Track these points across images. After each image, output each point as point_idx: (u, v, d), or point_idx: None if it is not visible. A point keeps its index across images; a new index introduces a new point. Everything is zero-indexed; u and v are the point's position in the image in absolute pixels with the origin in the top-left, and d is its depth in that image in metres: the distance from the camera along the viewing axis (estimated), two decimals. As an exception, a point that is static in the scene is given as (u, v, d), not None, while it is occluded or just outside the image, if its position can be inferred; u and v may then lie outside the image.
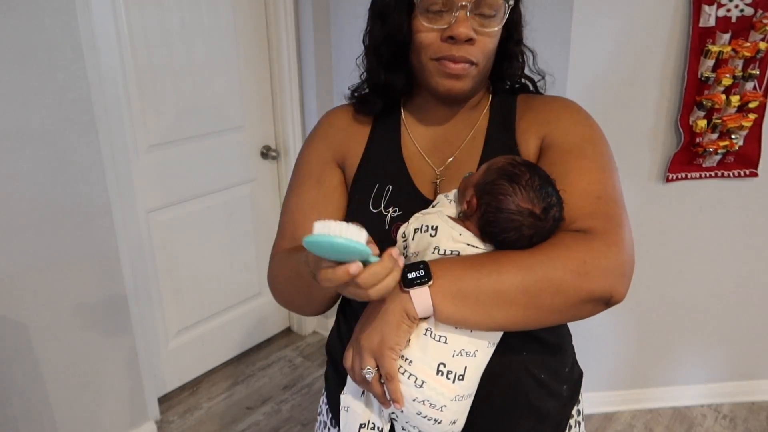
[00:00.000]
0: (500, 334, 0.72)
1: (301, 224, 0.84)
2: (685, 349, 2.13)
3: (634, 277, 1.95)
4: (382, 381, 0.68)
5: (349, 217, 0.84)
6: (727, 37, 1.69)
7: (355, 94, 0.90)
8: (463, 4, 0.73)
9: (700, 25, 1.69)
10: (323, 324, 2.70)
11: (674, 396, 2.18)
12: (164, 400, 2.26)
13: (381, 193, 0.82)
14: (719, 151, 1.82)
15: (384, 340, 0.66)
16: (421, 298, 0.65)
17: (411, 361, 0.68)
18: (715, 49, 1.69)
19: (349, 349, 0.72)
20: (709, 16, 1.67)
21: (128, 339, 1.92)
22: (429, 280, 0.65)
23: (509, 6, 0.77)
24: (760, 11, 1.67)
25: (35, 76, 1.55)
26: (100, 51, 1.72)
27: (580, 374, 0.91)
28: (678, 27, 1.71)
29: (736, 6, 1.67)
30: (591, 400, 2.15)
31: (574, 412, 0.89)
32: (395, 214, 0.80)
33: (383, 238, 0.77)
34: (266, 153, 2.39)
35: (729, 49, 1.69)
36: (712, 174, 1.88)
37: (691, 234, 1.96)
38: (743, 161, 1.87)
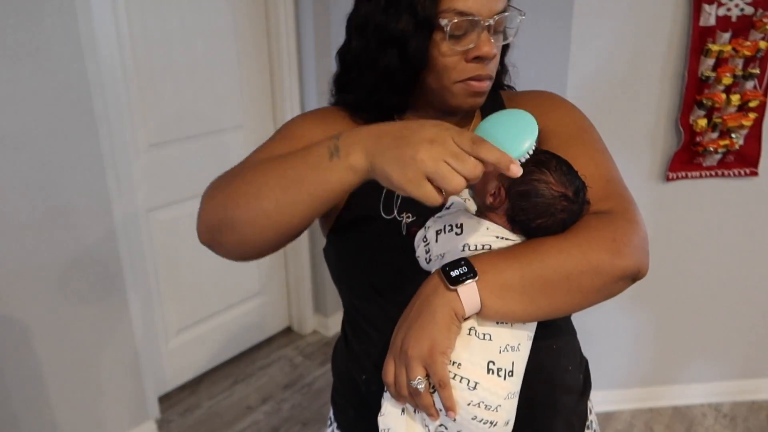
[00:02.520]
0: (535, 325, 0.71)
1: None
2: (685, 348, 2.13)
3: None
4: (431, 391, 0.65)
5: (359, 223, 0.80)
6: (727, 36, 1.69)
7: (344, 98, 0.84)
8: (488, 24, 0.71)
9: (701, 24, 1.69)
10: (323, 323, 2.71)
11: (674, 395, 2.19)
12: (164, 399, 2.27)
13: (390, 198, 0.78)
14: (719, 150, 1.82)
15: (435, 344, 0.63)
16: (469, 295, 0.63)
17: (459, 364, 0.65)
18: (715, 48, 1.69)
19: (390, 363, 0.67)
20: (710, 15, 1.67)
21: (128, 338, 1.92)
22: (475, 276, 0.63)
23: (521, 19, 0.77)
24: (761, 10, 1.67)
25: (35, 76, 1.55)
26: (100, 50, 1.72)
27: (587, 362, 0.93)
28: (678, 26, 1.71)
29: (737, 5, 1.66)
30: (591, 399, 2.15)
31: (589, 404, 0.90)
32: (409, 220, 0.77)
33: (401, 245, 0.75)
34: (266, 152, 2.39)
35: (729, 48, 1.69)
36: (713, 173, 1.88)
37: (691, 233, 1.96)
38: (743, 160, 1.87)
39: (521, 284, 0.64)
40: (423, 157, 0.55)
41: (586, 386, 0.89)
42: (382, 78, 0.76)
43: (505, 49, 0.84)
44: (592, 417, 0.92)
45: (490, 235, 0.69)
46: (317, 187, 0.62)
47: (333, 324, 2.72)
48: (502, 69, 0.87)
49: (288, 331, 2.75)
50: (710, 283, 2.03)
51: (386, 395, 0.71)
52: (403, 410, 0.71)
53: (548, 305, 0.66)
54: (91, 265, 1.77)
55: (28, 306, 1.66)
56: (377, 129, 0.61)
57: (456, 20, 0.70)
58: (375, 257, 0.78)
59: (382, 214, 0.78)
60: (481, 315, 0.65)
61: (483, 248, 0.68)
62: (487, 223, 0.70)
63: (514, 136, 0.60)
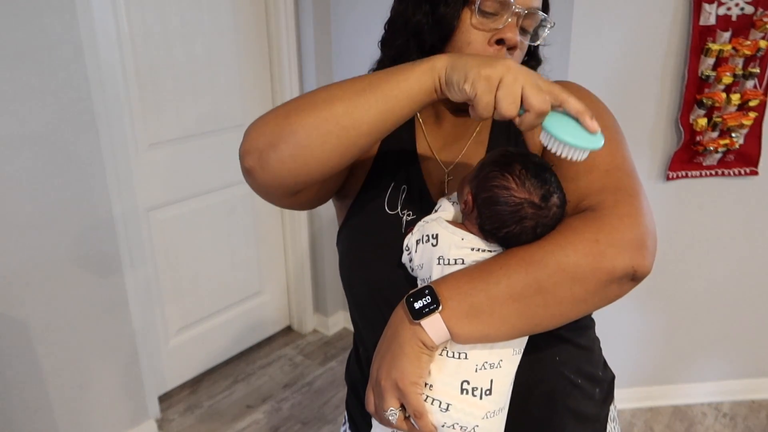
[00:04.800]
0: (525, 339, 0.68)
1: None
2: (685, 347, 2.13)
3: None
4: (408, 416, 0.65)
5: (365, 215, 0.81)
6: (727, 35, 1.69)
7: None
8: (517, 11, 0.72)
9: (701, 23, 1.68)
10: (323, 323, 2.71)
11: (674, 394, 2.19)
12: (164, 399, 2.27)
13: (396, 195, 0.79)
14: (720, 149, 1.82)
15: (405, 375, 0.63)
16: (434, 326, 0.62)
17: (431, 386, 0.64)
18: (715, 47, 1.69)
19: (370, 392, 0.68)
20: (710, 15, 1.67)
21: (128, 337, 1.92)
22: (438, 306, 0.62)
23: (551, 26, 0.77)
24: (761, 10, 1.67)
25: (36, 75, 1.55)
26: (100, 49, 1.72)
27: (612, 376, 0.90)
28: (678, 25, 1.71)
29: (737, 4, 1.66)
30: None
31: (609, 416, 0.87)
32: (409, 218, 0.78)
33: (399, 242, 0.74)
34: (266, 151, 2.39)
35: (729, 47, 1.69)
36: (713, 172, 1.88)
37: (691, 232, 1.96)
38: (743, 160, 1.87)
39: (489, 306, 0.61)
40: (510, 65, 0.57)
41: (606, 398, 0.86)
42: (412, 36, 0.77)
43: (532, 57, 0.84)
44: (613, 426, 0.88)
45: (465, 246, 0.66)
46: (393, 88, 0.62)
47: (333, 323, 2.72)
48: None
49: (288, 330, 2.75)
50: (710, 283, 2.03)
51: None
52: None
53: (525, 323, 0.62)
54: (91, 264, 1.77)
55: (27, 305, 1.66)
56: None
57: None
58: (374, 250, 0.78)
59: (386, 209, 0.79)
60: (453, 340, 0.63)
61: (456, 262, 0.66)
62: (462, 234, 0.67)
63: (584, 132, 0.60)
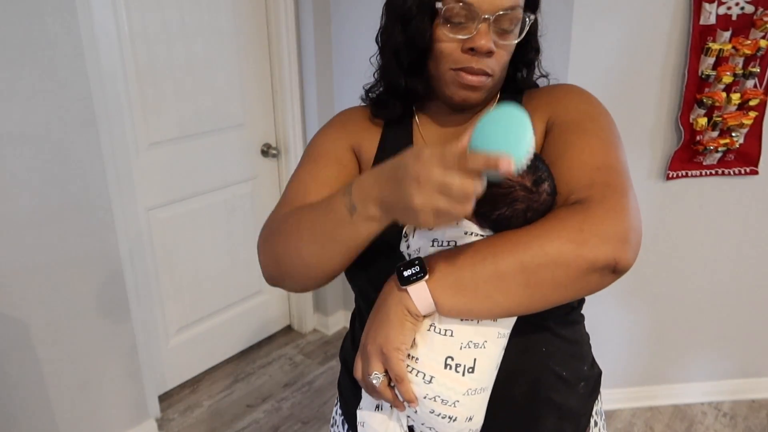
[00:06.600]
0: (510, 324, 0.71)
1: (316, 194, 0.78)
2: (685, 346, 2.13)
3: (634, 274, 1.95)
4: (392, 385, 0.67)
5: None
6: (727, 34, 1.69)
7: (370, 95, 0.89)
8: (486, 17, 0.72)
9: (701, 22, 1.68)
10: (323, 322, 2.71)
11: (674, 394, 2.19)
12: (165, 398, 2.27)
13: None
14: (720, 149, 1.82)
15: (388, 340, 0.65)
16: (419, 293, 0.65)
17: (417, 359, 0.67)
18: (715, 46, 1.69)
19: (357, 358, 0.71)
20: (710, 14, 1.67)
21: (129, 337, 1.92)
22: (425, 275, 0.64)
23: (530, 21, 0.78)
24: (761, 9, 1.67)
25: (36, 74, 1.55)
26: (100, 49, 1.72)
27: (599, 373, 0.91)
28: (678, 25, 1.71)
29: (737, 4, 1.66)
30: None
31: (594, 410, 0.89)
32: None
33: (396, 236, 0.76)
34: (267, 151, 2.40)
35: (729, 46, 1.69)
36: (713, 172, 1.88)
37: (691, 232, 1.96)
38: (744, 159, 1.87)
39: (473, 281, 0.64)
40: (418, 206, 0.56)
41: (592, 394, 0.87)
42: (392, 56, 0.80)
43: (524, 49, 0.83)
44: (597, 420, 0.90)
45: (459, 230, 0.69)
46: (348, 239, 0.68)
47: (333, 323, 2.72)
48: (522, 69, 0.86)
49: (288, 329, 2.75)
50: (710, 282, 2.03)
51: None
52: (377, 406, 0.74)
53: (507, 301, 0.64)
54: (91, 263, 1.77)
55: (28, 305, 1.66)
56: (377, 174, 0.64)
57: (451, 5, 0.72)
58: (372, 245, 0.80)
59: None
60: (439, 313, 0.66)
61: (449, 244, 0.69)
62: None
63: (510, 136, 0.56)
